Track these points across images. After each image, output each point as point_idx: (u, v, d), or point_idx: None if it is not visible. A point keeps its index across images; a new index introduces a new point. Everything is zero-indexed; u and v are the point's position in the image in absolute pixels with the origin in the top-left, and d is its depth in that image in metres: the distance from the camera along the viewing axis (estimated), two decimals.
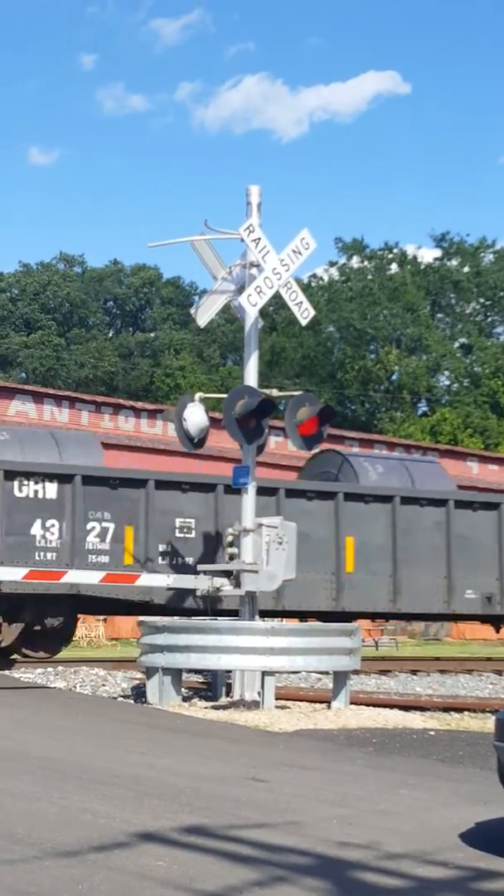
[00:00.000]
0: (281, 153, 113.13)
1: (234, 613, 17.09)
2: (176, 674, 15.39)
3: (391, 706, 15.75)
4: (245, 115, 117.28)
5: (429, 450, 52.26)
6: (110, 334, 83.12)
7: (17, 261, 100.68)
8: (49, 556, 19.09)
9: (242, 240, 16.43)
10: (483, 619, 24.00)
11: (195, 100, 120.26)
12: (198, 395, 17.87)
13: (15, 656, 20.18)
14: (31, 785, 9.18)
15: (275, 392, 17.88)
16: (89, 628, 34.56)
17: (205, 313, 17.79)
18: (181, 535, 20.27)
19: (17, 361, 73.78)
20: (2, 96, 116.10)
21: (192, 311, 18.88)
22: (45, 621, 19.73)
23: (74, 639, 23.60)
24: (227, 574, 16.64)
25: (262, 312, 17.24)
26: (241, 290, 16.43)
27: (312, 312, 17.50)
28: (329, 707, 15.27)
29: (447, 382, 78.70)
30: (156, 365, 73.55)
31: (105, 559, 19.54)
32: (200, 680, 17.24)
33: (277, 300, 17.29)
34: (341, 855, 7.16)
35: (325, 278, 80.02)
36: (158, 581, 17.67)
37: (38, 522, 19.10)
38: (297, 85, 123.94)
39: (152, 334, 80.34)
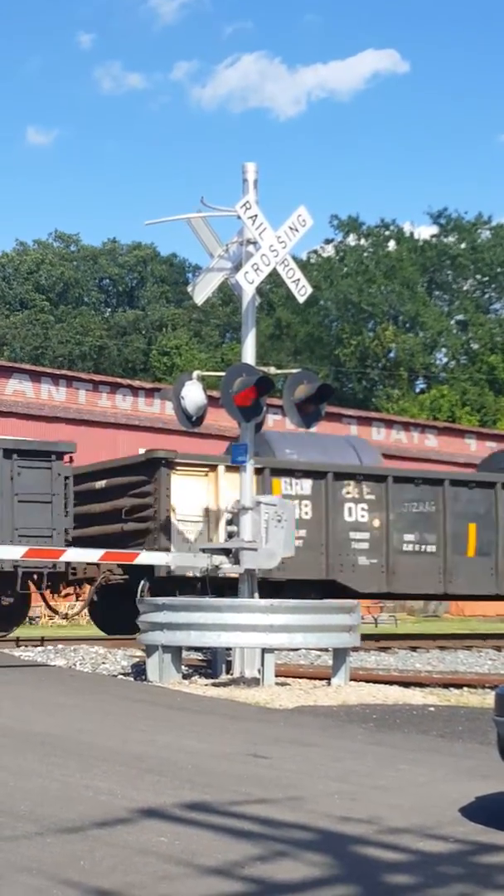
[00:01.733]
0: (279, 132, 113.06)
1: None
2: (176, 651, 15.43)
3: (391, 682, 15.78)
4: (243, 94, 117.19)
5: (427, 427, 52.34)
6: (107, 313, 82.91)
7: (13, 239, 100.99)
8: None
9: (239, 217, 16.38)
10: None
11: (193, 79, 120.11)
12: (196, 372, 17.84)
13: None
14: (33, 762, 9.22)
15: (273, 370, 17.85)
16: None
17: (202, 291, 17.74)
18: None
19: (7, 340, 73.66)
20: (2, 82, 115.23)
21: (189, 288, 18.83)
22: None
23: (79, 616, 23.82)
24: (226, 552, 16.66)
25: (259, 290, 17.20)
26: (238, 267, 16.40)
27: (310, 290, 17.46)
28: (329, 684, 15.32)
29: (444, 359, 78.70)
30: (150, 343, 73.47)
31: None
32: (200, 657, 17.29)
33: (276, 277, 17.24)
34: (342, 830, 7.18)
35: (323, 255, 79.86)
36: (158, 559, 17.69)
37: None
38: (295, 63, 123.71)
39: (145, 312, 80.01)
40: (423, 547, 23.39)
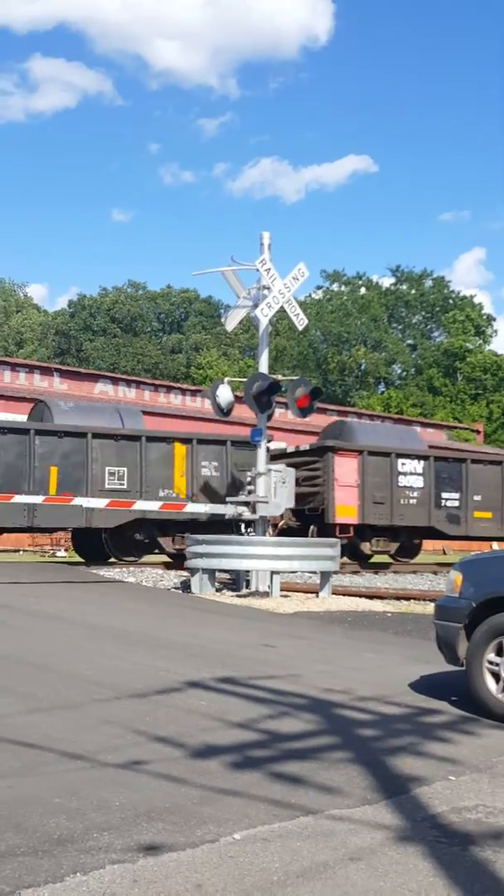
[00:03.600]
0: (285, 212, 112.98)
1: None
2: (211, 573, 15.45)
3: (360, 596, 15.80)
4: (261, 186, 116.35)
5: (385, 418, 52.09)
6: (161, 338, 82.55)
7: (98, 286, 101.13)
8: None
9: (258, 269, 16.33)
10: None
11: (227, 175, 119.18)
12: (226, 379, 17.89)
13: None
14: (113, 648, 9.28)
15: (279, 377, 17.78)
16: None
17: (231, 322, 17.78)
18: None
19: (92, 357, 73.65)
20: (94, 175, 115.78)
21: (222, 320, 18.86)
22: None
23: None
24: (246, 504, 16.67)
25: (270, 321, 17.12)
26: (256, 305, 16.35)
27: (306, 321, 17.44)
28: (317, 596, 15.31)
29: (399, 371, 78.43)
30: (189, 360, 73.24)
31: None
32: (228, 577, 17.35)
33: (281, 313, 17.20)
34: (326, 697, 7.21)
35: (314, 297, 79.63)
36: (200, 508, 17.72)
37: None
38: (298, 165, 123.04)
39: (187, 337, 79.70)
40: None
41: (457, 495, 22.70)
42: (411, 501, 22.15)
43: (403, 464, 22.10)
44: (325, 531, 20.41)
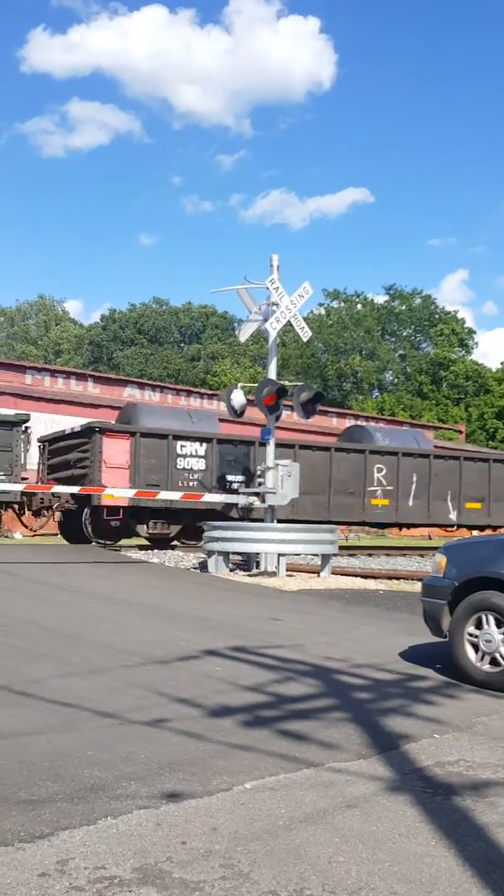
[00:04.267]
0: (292, 237, 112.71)
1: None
2: (226, 555, 15.42)
3: (356, 576, 15.77)
4: (271, 215, 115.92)
5: (379, 419, 51.95)
6: (183, 349, 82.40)
7: (127, 302, 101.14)
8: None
9: (267, 288, 16.28)
10: None
11: (241, 205, 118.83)
12: (240, 384, 17.84)
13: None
14: (139, 620, 9.28)
15: (286, 383, 17.74)
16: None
17: (244, 334, 17.69)
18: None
19: (122, 365, 73.69)
20: (124, 204, 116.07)
21: (236, 332, 18.81)
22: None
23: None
24: (257, 494, 16.65)
25: (278, 334, 17.08)
26: (266, 319, 16.30)
27: (310, 334, 17.35)
28: (318, 576, 15.28)
29: (391, 378, 78.21)
30: (207, 368, 73.12)
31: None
32: (240, 559, 17.34)
33: (288, 327, 17.15)
34: (327, 665, 7.20)
35: (316, 313, 79.47)
36: (216, 498, 17.70)
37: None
38: (304, 196, 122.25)
39: (204, 346, 79.57)
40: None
41: (241, 478, 20.04)
42: (191, 484, 19.62)
43: (183, 446, 19.65)
44: (96, 512, 18.51)
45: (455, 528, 23.87)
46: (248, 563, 16.26)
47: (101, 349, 77.55)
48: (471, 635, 6.73)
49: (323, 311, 79.61)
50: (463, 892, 3.19)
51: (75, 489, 17.31)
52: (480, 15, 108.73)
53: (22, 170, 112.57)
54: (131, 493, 17.53)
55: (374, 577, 15.60)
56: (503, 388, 65.97)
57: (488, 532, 24.91)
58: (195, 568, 16.21)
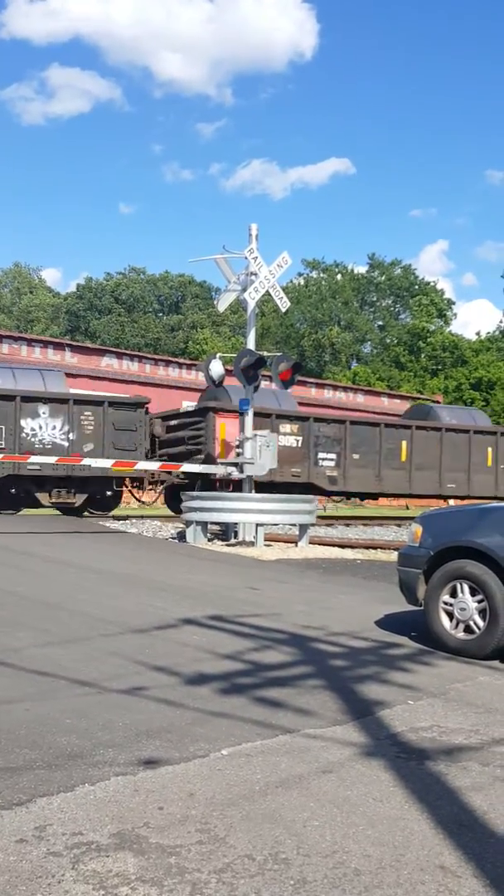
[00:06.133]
0: (273, 208, 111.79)
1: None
2: (204, 525, 15.46)
3: (333, 545, 15.83)
4: (252, 185, 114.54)
5: (357, 390, 52.02)
6: (161, 318, 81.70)
7: (103, 271, 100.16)
8: None
9: (246, 257, 16.16)
10: None
11: (222, 174, 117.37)
12: (218, 354, 17.74)
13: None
14: (117, 590, 9.28)
15: (265, 353, 17.67)
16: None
17: (223, 303, 17.54)
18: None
19: (99, 334, 73.04)
20: (104, 172, 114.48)
21: (215, 302, 18.65)
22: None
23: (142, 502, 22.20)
24: (235, 465, 16.65)
25: (257, 304, 16.98)
26: (245, 289, 16.19)
27: (288, 304, 17.27)
28: (296, 546, 15.35)
29: (368, 349, 78.21)
30: (188, 337, 72.65)
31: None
32: (218, 528, 17.40)
33: (266, 297, 17.06)
34: (304, 633, 7.25)
35: (295, 283, 79.04)
36: (194, 468, 17.68)
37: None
38: (285, 166, 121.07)
39: (185, 316, 79.00)
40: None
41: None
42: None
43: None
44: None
45: None
46: (226, 532, 16.30)
47: (77, 319, 76.77)
48: (446, 603, 6.80)
49: (302, 282, 79.23)
50: (434, 854, 3.25)
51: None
52: None
53: (1, 137, 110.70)
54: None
55: (352, 547, 15.68)
56: (480, 360, 66.21)
57: None
58: (173, 538, 16.23)
